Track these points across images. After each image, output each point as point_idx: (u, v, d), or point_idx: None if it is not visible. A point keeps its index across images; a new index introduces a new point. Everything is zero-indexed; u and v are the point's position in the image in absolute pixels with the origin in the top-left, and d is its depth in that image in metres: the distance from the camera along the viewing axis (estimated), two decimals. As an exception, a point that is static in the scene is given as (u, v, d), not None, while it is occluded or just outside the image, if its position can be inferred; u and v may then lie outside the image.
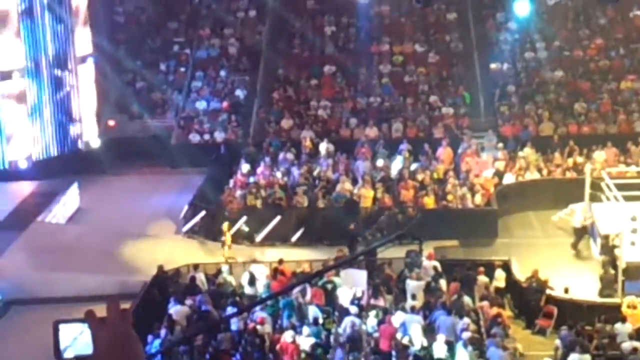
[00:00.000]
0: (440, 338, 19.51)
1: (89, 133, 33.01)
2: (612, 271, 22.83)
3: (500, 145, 30.61)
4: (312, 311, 20.85)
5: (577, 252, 25.44)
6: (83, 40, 32.75)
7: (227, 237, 25.38)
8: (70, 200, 28.92)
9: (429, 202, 27.38)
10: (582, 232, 25.63)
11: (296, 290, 21.23)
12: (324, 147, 30.89)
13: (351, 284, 21.82)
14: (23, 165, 30.69)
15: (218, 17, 37.86)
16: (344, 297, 21.61)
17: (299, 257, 24.75)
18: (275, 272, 22.99)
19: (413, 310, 20.73)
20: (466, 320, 19.93)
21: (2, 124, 30.23)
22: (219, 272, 23.54)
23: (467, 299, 21.53)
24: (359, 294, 21.47)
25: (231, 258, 25.09)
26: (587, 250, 25.26)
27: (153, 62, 36.73)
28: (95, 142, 33.02)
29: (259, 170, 29.46)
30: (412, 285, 22.02)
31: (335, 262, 22.53)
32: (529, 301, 22.48)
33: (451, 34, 37.09)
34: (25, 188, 29.37)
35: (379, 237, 24.91)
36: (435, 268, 22.98)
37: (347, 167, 29.56)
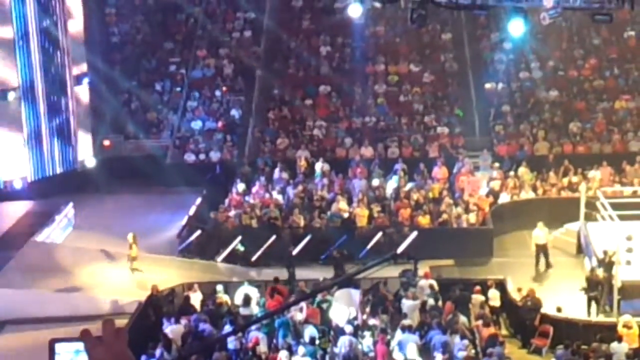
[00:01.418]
0: (438, 358, 19.46)
1: (84, 153, 33.01)
2: (601, 274, 22.87)
3: (497, 164, 30.67)
4: (309, 330, 20.80)
5: (537, 269, 25.55)
6: (78, 60, 32.78)
7: (134, 249, 25.27)
8: (65, 220, 28.88)
9: (424, 221, 27.41)
10: (543, 250, 25.72)
11: (293, 308, 21.19)
12: (319, 166, 30.93)
13: (346, 303, 21.78)
14: (18, 185, 30.66)
15: (213, 37, 37.97)
16: (338, 316, 21.56)
17: (296, 276, 24.69)
18: (272, 291, 22.95)
19: (409, 329, 20.69)
20: (465, 342, 19.90)
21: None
22: (214, 291, 23.50)
23: (462, 318, 21.50)
24: (353, 314, 21.44)
25: (136, 270, 25.01)
26: (581, 269, 25.26)
27: (148, 82, 36.79)
28: (91, 162, 33.04)
29: (254, 189, 29.48)
30: (407, 304, 21.99)
31: (330, 281, 22.51)
32: (524, 320, 22.46)
33: (446, 53, 37.23)
34: (20, 208, 29.31)
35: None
36: (431, 287, 22.96)
37: (342, 187, 29.60)
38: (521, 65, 36.13)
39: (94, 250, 26.50)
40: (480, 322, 21.57)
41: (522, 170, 30.30)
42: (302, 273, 25.17)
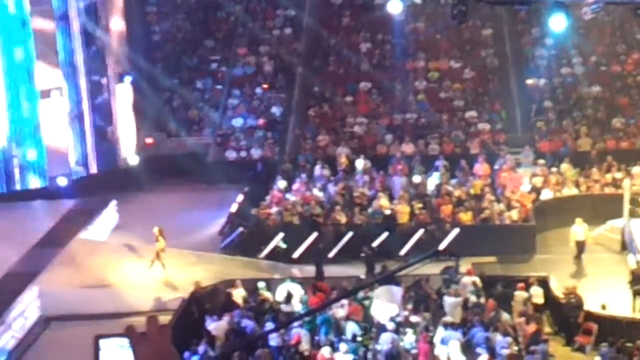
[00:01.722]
0: (483, 356, 19.37)
1: (127, 151, 33.28)
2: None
3: (542, 161, 30.43)
4: (350, 327, 20.84)
5: (578, 266, 25.42)
6: (121, 58, 33.06)
7: (160, 242, 25.32)
8: (109, 218, 29.17)
9: (466, 218, 27.33)
10: (582, 246, 25.53)
11: (334, 305, 21.24)
12: (360, 163, 30.92)
13: (388, 300, 21.79)
14: (63, 183, 31.00)
15: (254, 34, 38.08)
16: (380, 313, 21.57)
17: (337, 273, 24.75)
18: (314, 288, 23.01)
19: (451, 326, 20.65)
20: (508, 339, 19.83)
21: (42, 143, 30.56)
22: (257, 288, 23.60)
23: (505, 316, 21.42)
24: (395, 311, 21.44)
25: (162, 263, 25.12)
26: (625, 266, 25.04)
27: (190, 80, 37.00)
28: (134, 160, 33.30)
29: (295, 186, 29.55)
30: (449, 301, 21.96)
31: (372, 278, 22.54)
32: (567, 318, 22.32)
33: (487, 49, 37.04)
34: (65, 206, 29.64)
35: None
36: (474, 284, 22.89)
37: (383, 184, 29.57)
38: (563, 61, 35.85)
39: (137, 248, 26.71)
40: (523, 319, 21.48)
41: (565, 166, 30.09)
42: (343, 270, 25.21)
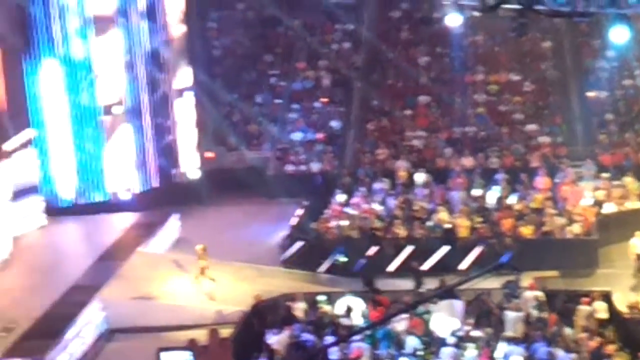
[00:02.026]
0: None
1: (188, 165, 33.63)
2: None
3: (605, 175, 30.08)
4: (411, 341, 20.79)
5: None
6: (182, 74, 33.45)
7: (203, 260, 25.39)
8: (170, 231, 29.47)
9: (527, 231, 27.13)
10: None
11: (395, 319, 21.22)
12: (420, 177, 30.86)
13: (448, 314, 21.70)
14: (125, 196, 31.42)
15: (313, 49, 38.28)
16: (441, 327, 21.50)
17: (397, 287, 24.72)
18: (374, 302, 23.01)
19: (513, 341, 20.50)
20: (571, 355, 19.63)
21: (103, 157, 31.02)
22: (317, 301, 23.65)
23: (568, 331, 21.21)
24: (456, 325, 21.35)
25: (206, 280, 25.12)
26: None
27: (249, 95, 37.30)
28: (194, 174, 33.62)
29: (355, 200, 29.59)
30: (510, 316, 21.80)
31: (433, 292, 22.46)
32: (632, 333, 22.00)
33: (547, 62, 36.81)
34: (126, 219, 30.03)
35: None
36: (537, 298, 22.68)
37: (443, 197, 29.49)
38: (624, 73, 35.47)
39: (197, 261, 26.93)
40: (585, 334, 21.24)
41: (628, 179, 29.72)
42: (403, 283, 25.18)
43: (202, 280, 25.18)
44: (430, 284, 24.11)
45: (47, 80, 30.07)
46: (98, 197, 31.06)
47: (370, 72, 37.28)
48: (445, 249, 26.61)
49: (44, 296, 24.10)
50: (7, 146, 28.28)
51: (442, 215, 28.01)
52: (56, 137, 30.39)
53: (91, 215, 30.09)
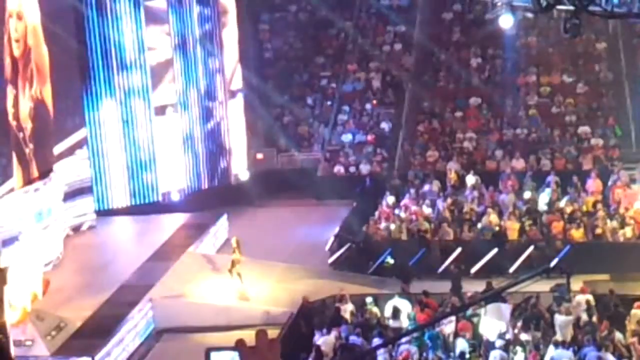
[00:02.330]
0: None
1: (238, 166, 33.81)
2: None
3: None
4: (459, 344, 20.68)
5: None
6: (233, 75, 33.64)
7: (236, 254, 25.40)
8: (220, 232, 29.65)
9: (578, 234, 26.84)
10: None
11: (443, 322, 21.13)
12: (470, 179, 30.69)
13: (496, 318, 21.54)
14: (175, 197, 31.68)
15: (364, 51, 38.26)
16: (489, 330, 21.34)
17: (445, 289, 24.59)
18: (422, 305, 22.93)
19: (562, 345, 20.29)
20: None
21: (155, 158, 31.30)
22: (364, 303, 23.64)
23: (618, 335, 20.93)
24: (504, 328, 21.18)
25: (238, 274, 25.13)
26: None
27: (300, 96, 37.41)
28: (244, 175, 33.79)
29: (404, 202, 29.51)
30: (560, 319, 21.57)
31: (482, 295, 22.30)
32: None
33: (601, 63, 36.38)
34: (177, 220, 30.27)
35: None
36: (588, 302, 22.42)
37: (493, 200, 29.30)
38: (680, 75, 34.94)
39: (247, 262, 27.05)
40: (636, 339, 20.94)
41: (683, 182, 29.28)
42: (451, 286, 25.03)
43: (234, 274, 25.27)
44: (479, 286, 23.91)
45: (102, 80, 30.38)
46: (149, 198, 31.34)
47: (421, 74, 37.16)
48: (494, 252, 26.41)
49: (94, 295, 24.40)
50: (61, 147, 28.65)
51: (492, 217, 27.82)
52: (108, 137, 30.72)
53: (142, 216, 30.36)
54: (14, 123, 25.85)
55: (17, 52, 26.02)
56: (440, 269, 26.56)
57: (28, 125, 26.45)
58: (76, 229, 29.06)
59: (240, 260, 25.47)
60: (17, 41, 26.00)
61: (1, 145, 25.32)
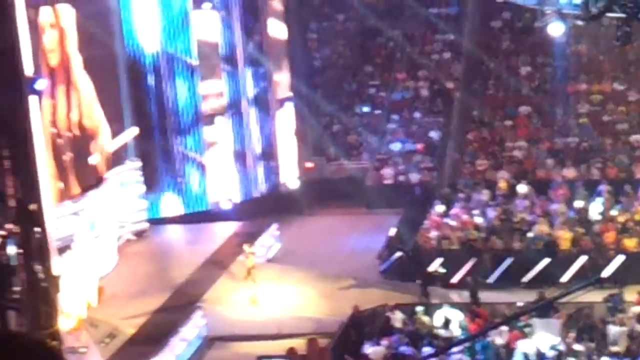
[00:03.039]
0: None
1: (287, 175, 33.95)
2: None
3: None
4: (518, 354, 20.58)
5: None
6: (282, 84, 33.81)
7: (250, 259, 25.41)
8: (270, 240, 29.79)
9: (631, 244, 26.57)
10: None
11: (494, 332, 21.06)
12: (521, 188, 30.50)
13: (548, 328, 21.44)
14: (226, 206, 31.89)
15: (413, 59, 38.22)
16: (541, 341, 21.23)
17: (496, 299, 24.50)
18: (472, 314, 22.87)
19: (616, 356, 20.12)
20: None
21: (205, 167, 31.55)
22: (415, 312, 23.62)
23: (673, 346, 20.71)
24: (556, 339, 21.06)
25: (252, 280, 25.17)
26: None
27: (349, 105, 37.47)
28: (294, 184, 33.92)
29: (454, 211, 29.43)
30: (614, 330, 21.40)
31: (533, 305, 22.20)
32: None
33: (652, 71, 36.01)
34: (228, 228, 30.48)
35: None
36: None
37: (544, 209, 29.11)
38: None
39: (297, 270, 27.17)
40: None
41: None
42: (502, 296, 24.94)
43: (249, 281, 25.30)
44: (530, 296, 23.78)
45: (151, 87, 30.70)
46: (200, 207, 31.58)
47: (470, 83, 37.05)
48: (545, 262, 26.25)
49: (147, 303, 24.67)
50: (112, 146, 28.94)
51: (543, 227, 27.64)
52: (160, 145, 31.01)
53: (193, 225, 30.61)
54: (53, 130, 26.17)
55: (53, 62, 26.34)
56: (491, 279, 26.43)
57: (69, 133, 26.79)
58: (129, 238, 29.37)
59: (255, 266, 25.55)
60: (51, 51, 26.32)
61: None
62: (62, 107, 26.72)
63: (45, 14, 25.87)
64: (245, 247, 25.90)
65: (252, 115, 32.74)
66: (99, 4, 28.54)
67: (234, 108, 32.26)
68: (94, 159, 28.33)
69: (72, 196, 26.36)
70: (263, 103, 33.16)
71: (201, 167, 31.57)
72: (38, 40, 25.14)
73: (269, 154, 33.49)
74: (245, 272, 25.58)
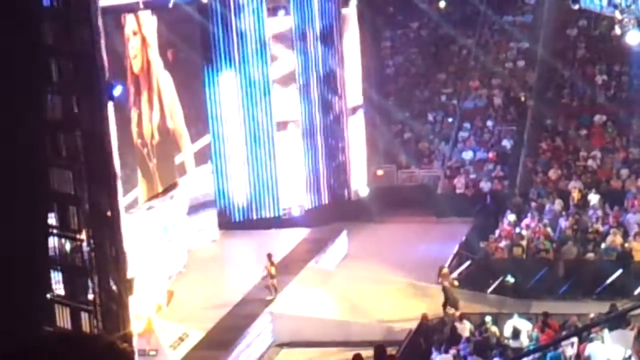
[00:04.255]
0: None
1: (358, 182, 34.00)
2: None
3: None
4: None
5: None
6: (354, 91, 33.86)
7: (271, 268, 25.40)
8: (339, 247, 29.87)
9: None
10: None
11: (564, 343, 20.81)
12: (595, 198, 30.11)
13: (620, 341, 21.10)
14: (296, 212, 32.06)
15: (486, 67, 37.99)
16: (612, 354, 20.91)
17: (567, 310, 24.21)
18: (543, 325, 22.65)
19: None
20: None
21: (277, 174, 31.76)
22: (483, 322, 23.46)
23: None
24: (628, 353, 20.73)
25: (274, 288, 25.14)
26: None
27: (421, 113, 37.39)
28: (364, 191, 33.95)
29: (526, 221, 29.17)
30: (687, 344, 20.98)
31: (605, 316, 21.87)
32: None
33: None
34: (298, 235, 30.64)
35: None
36: None
37: (617, 219, 28.68)
38: None
39: (366, 278, 27.18)
40: None
41: None
42: (573, 306, 24.63)
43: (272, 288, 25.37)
44: (602, 308, 23.45)
45: (225, 96, 31.07)
46: (270, 213, 31.82)
47: (544, 91, 36.69)
48: (618, 273, 25.86)
49: (216, 308, 24.92)
50: (182, 157, 29.38)
51: (617, 238, 27.24)
52: (232, 152, 31.36)
53: (263, 230, 30.85)
54: (138, 141, 26.66)
55: (136, 68, 26.84)
56: (562, 290, 26.14)
57: (152, 140, 27.28)
58: (199, 242, 29.74)
59: (274, 275, 25.59)
60: (135, 57, 26.82)
61: (125, 157, 25.86)
62: (146, 114, 27.21)
63: (129, 21, 26.39)
64: (267, 256, 25.96)
65: (323, 122, 32.81)
66: (180, 12, 28.93)
67: (306, 115, 32.40)
68: (179, 159, 28.85)
69: (154, 197, 26.87)
70: (335, 110, 33.21)
71: (273, 173, 31.77)
72: (123, 48, 25.69)
73: (339, 161, 33.55)
74: (267, 279, 25.62)
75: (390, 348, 20.98)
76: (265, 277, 25.73)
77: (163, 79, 28.03)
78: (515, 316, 23.29)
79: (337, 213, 31.98)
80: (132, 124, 26.27)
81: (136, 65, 26.90)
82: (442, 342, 22.37)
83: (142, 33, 27.14)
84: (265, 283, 25.64)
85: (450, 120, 36.81)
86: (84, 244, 20.59)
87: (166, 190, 27.81)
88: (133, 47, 26.83)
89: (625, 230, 28.02)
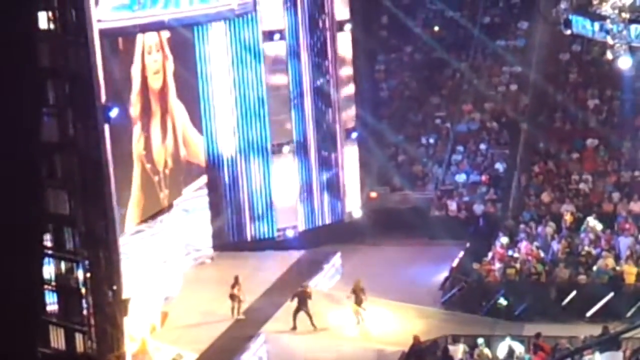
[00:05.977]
0: None
1: (352, 204, 34.15)
2: None
3: None
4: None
5: None
6: (348, 114, 34.07)
7: (239, 291, 25.74)
8: (333, 269, 29.98)
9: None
10: None
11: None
12: (591, 221, 30.26)
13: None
14: (290, 234, 32.20)
15: (479, 91, 38.21)
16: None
17: (559, 332, 24.34)
18: (535, 347, 22.78)
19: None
20: None
21: (272, 196, 31.92)
22: (476, 344, 23.58)
23: None
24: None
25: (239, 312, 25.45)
26: None
27: (414, 136, 37.59)
28: (358, 213, 34.09)
29: (519, 243, 29.32)
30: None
31: (597, 339, 22.02)
32: None
33: None
34: (292, 256, 30.77)
35: None
36: None
37: (609, 243, 28.87)
38: None
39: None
40: None
41: None
42: (565, 329, 24.76)
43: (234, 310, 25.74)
44: (594, 330, 23.60)
45: (220, 117, 31.28)
46: (264, 234, 31.96)
47: (537, 115, 36.93)
48: (610, 296, 26.02)
49: (210, 329, 25.00)
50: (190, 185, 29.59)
51: (608, 261, 27.42)
52: (227, 173, 31.54)
53: (257, 252, 30.97)
54: (148, 166, 26.77)
55: (156, 85, 26.87)
56: (554, 312, 26.28)
57: (165, 168, 27.50)
58: (195, 263, 29.86)
59: (240, 297, 25.81)
60: (156, 72, 26.89)
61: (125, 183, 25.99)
62: (157, 138, 27.24)
63: (150, 36, 26.49)
64: (235, 277, 26.13)
65: (317, 144, 33.01)
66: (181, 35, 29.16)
67: (300, 137, 32.60)
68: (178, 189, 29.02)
69: (149, 218, 26.97)
70: (329, 133, 33.40)
71: (268, 195, 31.94)
72: (126, 70, 25.76)
73: (334, 183, 33.73)
74: (234, 303, 25.89)
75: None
76: (234, 298, 25.88)
77: (176, 104, 28.22)
78: (508, 338, 23.42)
79: (330, 235, 32.14)
80: (139, 146, 26.30)
81: (156, 82, 26.88)
82: (434, 364, 22.50)
83: (163, 50, 27.23)
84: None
85: (443, 143, 36.94)
86: (79, 265, 20.74)
87: (160, 212, 27.93)
88: (155, 60, 26.83)
89: (617, 253, 28.20)
